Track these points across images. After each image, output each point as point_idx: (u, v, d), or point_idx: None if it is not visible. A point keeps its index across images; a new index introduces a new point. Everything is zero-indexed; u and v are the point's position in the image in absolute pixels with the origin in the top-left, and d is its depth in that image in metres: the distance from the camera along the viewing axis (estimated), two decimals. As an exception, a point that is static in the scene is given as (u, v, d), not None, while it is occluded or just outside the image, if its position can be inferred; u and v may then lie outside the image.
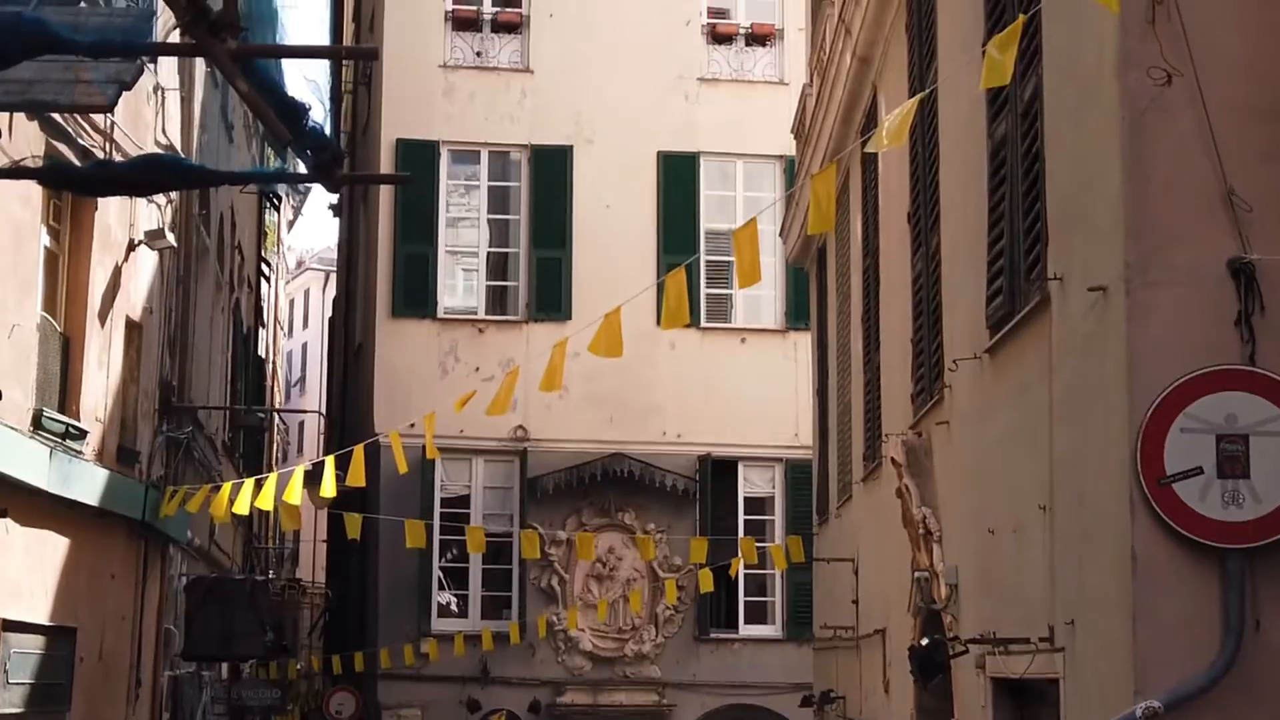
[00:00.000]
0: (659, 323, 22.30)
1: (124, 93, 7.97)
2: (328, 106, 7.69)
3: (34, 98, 7.27)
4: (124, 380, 14.38)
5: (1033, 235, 7.27)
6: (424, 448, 12.07)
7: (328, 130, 6.77)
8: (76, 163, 11.03)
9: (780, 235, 19.08)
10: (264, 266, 29.66)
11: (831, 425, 15.71)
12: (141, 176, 6.80)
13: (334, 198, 34.02)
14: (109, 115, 12.97)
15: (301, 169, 6.95)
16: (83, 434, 12.94)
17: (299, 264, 68.84)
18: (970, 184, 8.69)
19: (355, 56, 7.87)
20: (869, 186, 12.91)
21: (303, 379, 62.47)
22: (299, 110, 6.33)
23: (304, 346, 66.73)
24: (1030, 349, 7.31)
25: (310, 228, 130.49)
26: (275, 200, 28.11)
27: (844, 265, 14.61)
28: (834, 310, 15.41)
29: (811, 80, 16.20)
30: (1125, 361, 5.86)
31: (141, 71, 8.02)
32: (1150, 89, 5.82)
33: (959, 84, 8.97)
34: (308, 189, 51.09)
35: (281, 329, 53.67)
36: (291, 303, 67.54)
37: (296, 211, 51.96)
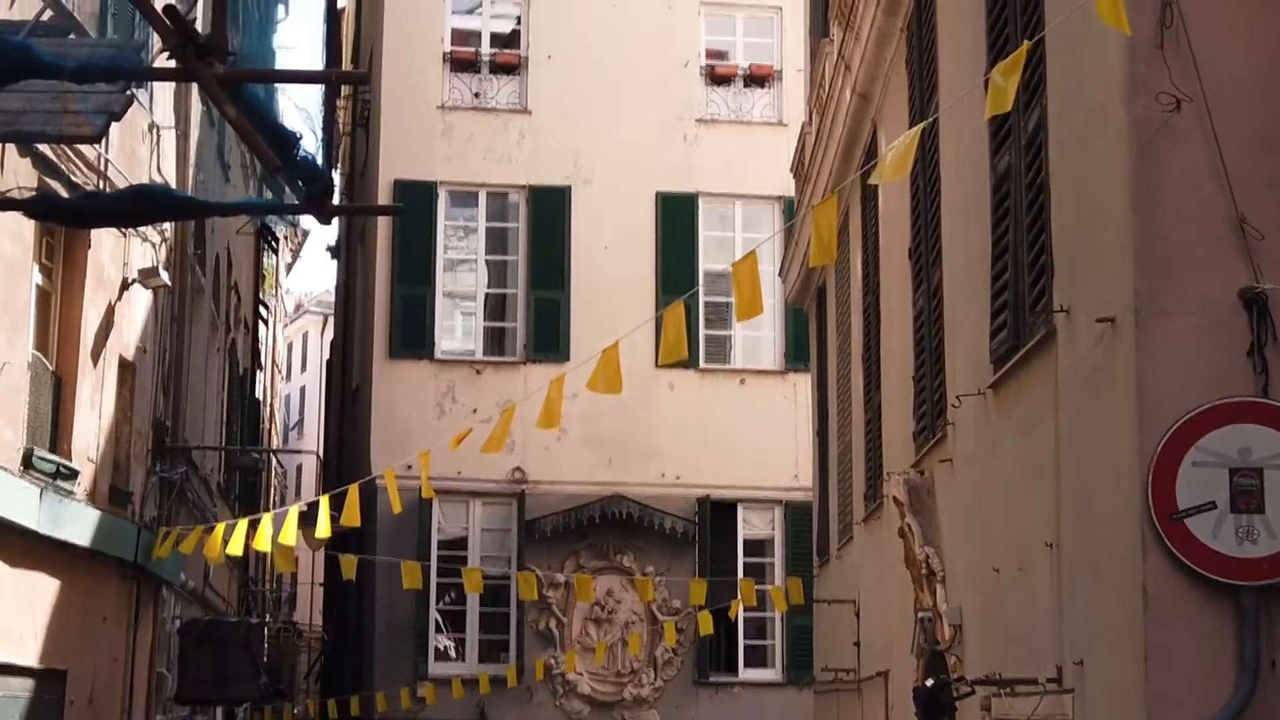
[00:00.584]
0: (658, 363, 22.22)
1: (113, 124, 7.87)
2: (320, 136, 7.61)
3: (21, 128, 7.15)
4: (117, 420, 14.23)
5: (1037, 268, 7.14)
6: (420, 488, 11.93)
7: (320, 160, 6.66)
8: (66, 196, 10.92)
9: (780, 274, 18.97)
10: (262, 309, 29.56)
11: (832, 466, 15.56)
12: (130, 207, 6.66)
13: (332, 239, 34.02)
14: (103, 152, 12.90)
15: (296, 198, 6.79)
16: (74, 474, 12.78)
17: (298, 307, 68.77)
18: (972, 218, 8.57)
19: (346, 81, 7.77)
20: (869, 224, 12.80)
21: (300, 422, 62.27)
22: (290, 139, 6.20)
23: (302, 390, 66.57)
24: (1036, 383, 7.17)
25: (309, 271, 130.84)
26: (273, 242, 27.97)
27: (844, 303, 14.49)
28: (834, 349, 15.28)
29: (811, 118, 16.12)
30: (1135, 394, 5.72)
31: (130, 102, 7.90)
32: (1159, 115, 5.70)
33: (960, 118, 8.87)
34: (306, 231, 51.27)
35: (279, 372, 53.59)
36: (290, 346, 67.44)
37: (295, 254, 51.94)
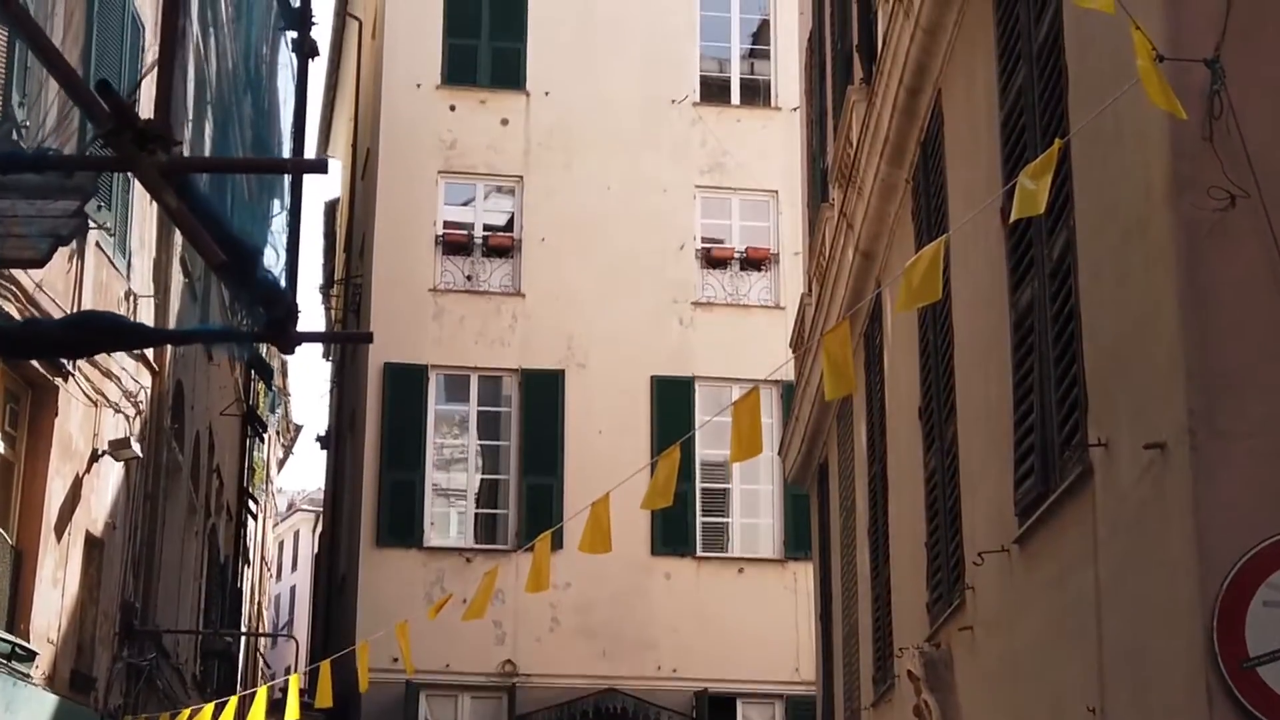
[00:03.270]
0: (652, 550, 21.47)
1: (60, 247, 7.29)
2: (282, 255, 7.04)
3: (-43, 253, 6.60)
4: (81, 600, 13.46)
5: (1068, 403, 6.50)
6: (407, 682, 11.23)
7: (282, 282, 6.13)
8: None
9: (779, 454, 18.35)
10: (251, 502, 28.85)
11: (836, 652, 14.77)
12: (75, 336, 6.08)
13: (322, 428, 33.45)
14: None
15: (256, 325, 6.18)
16: (31, 655, 12.00)
17: (290, 506, 67.93)
18: (990, 363, 7.97)
19: (303, 170, 7.25)
20: (874, 389, 12.21)
21: (290, 622, 60.99)
22: (249, 254, 5.62)
23: (292, 590, 65.40)
24: (1069, 531, 6.49)
25: (301, 469, 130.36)
26: (260, 427, 27.37)
27: (847, 477, 13.84)
28: (837, 527, 14.59)
29: (810, 288, 15.64)
30: (1193, 528, 5.04)
31: (80, 227, 7.37)
32: (1209, 214, 5.12)
33: (974, 258, 8.33)
34: (299, 425, 50.71)
35: (269, 570, 52.55)
36: (281, 545, 66.44)
37: (287, 449, 51.31)
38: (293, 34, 7.68)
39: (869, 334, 12.27)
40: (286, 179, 7.84)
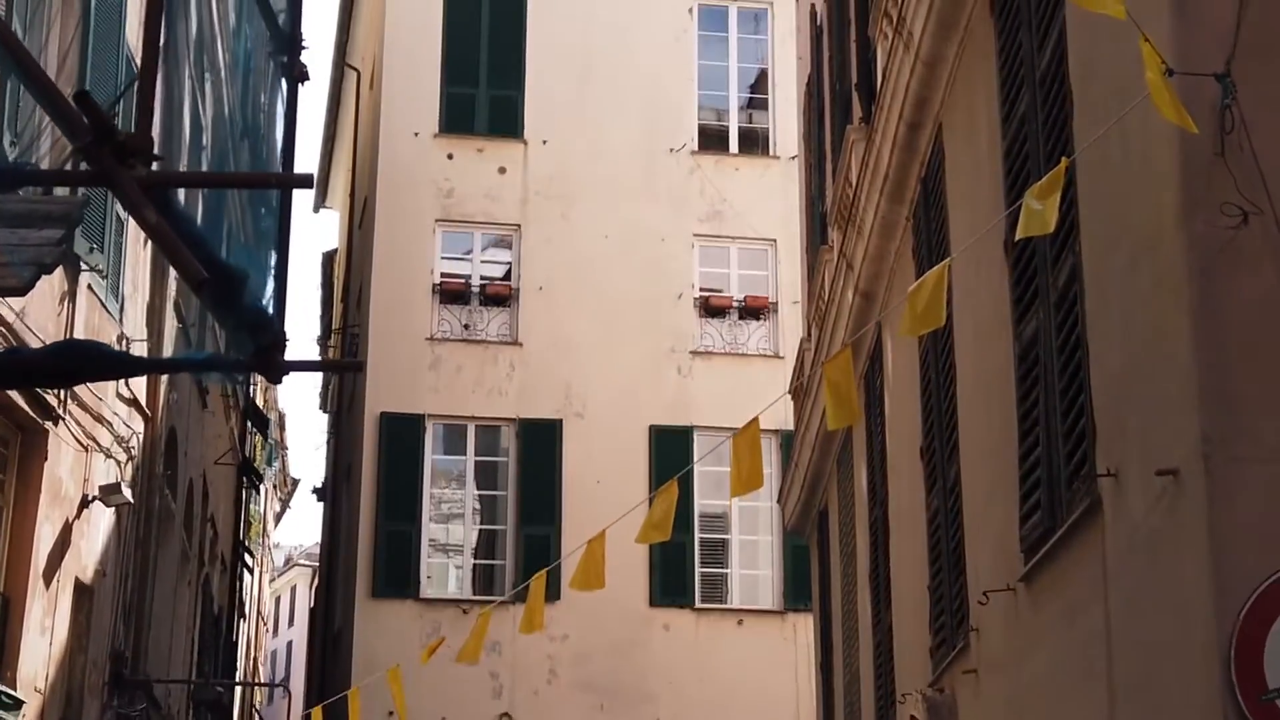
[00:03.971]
0: (650, 601, 21.23)
1: (43, 275, 7.14)
2: (269, 282, 6.88)
3: (-61, 282, 6.45)
4: (70, 648, 13.22)
5: (1075, 434, 6.33)
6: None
7: (269, 309, 5.97)
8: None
9: (778, 502, 18.16)
10: (247, 555, 28.60)
11: (837, 701, 14.55)
12: (55, 365, 5.92)
13: (318, 481, 33.20)
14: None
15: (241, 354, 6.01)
16: (18, 704, 11.76)
17: (287, 561, 67.55)
18: (993, 398, 7.81)
19: (286, 184, 7.12)
20: (874, 431, 12.05)
21: (287, 677, 60.51)
22: (235, 278, 5.46)
23: (289, 646, 64.96)
24: (1078, 565, 6.31)
25: (299, 524, 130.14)
26: (256, 479, 27.16)
27: (848, 523, 13.66)
28: (837, 574, 14.40)
29: (810, 333, 15.49)
30: (1208, 555, 4.86)
31: (63, 255, 7.22)
32: (1222, 232, 4.97)
33: (976, 293, 8.19)
34: (296, 479, 50.48)
35: (265, 625, 52.17)
36: (278, 600, 66.06)
37: (284, 503, 51.04)
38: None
39: (869, 375, 12.12)
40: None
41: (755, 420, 6.69)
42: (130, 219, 10.33)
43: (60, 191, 8.19)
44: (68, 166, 6.08)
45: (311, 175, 6.18)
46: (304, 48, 6.69)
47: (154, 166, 4.62)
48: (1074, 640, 6.36)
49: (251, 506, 31.01)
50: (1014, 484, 7.27)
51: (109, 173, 4.55)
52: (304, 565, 63.29)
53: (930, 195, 9.68)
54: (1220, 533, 4.86)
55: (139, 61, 12.17)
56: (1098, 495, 5.95)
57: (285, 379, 6.13)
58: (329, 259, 34.49)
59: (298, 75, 6.58)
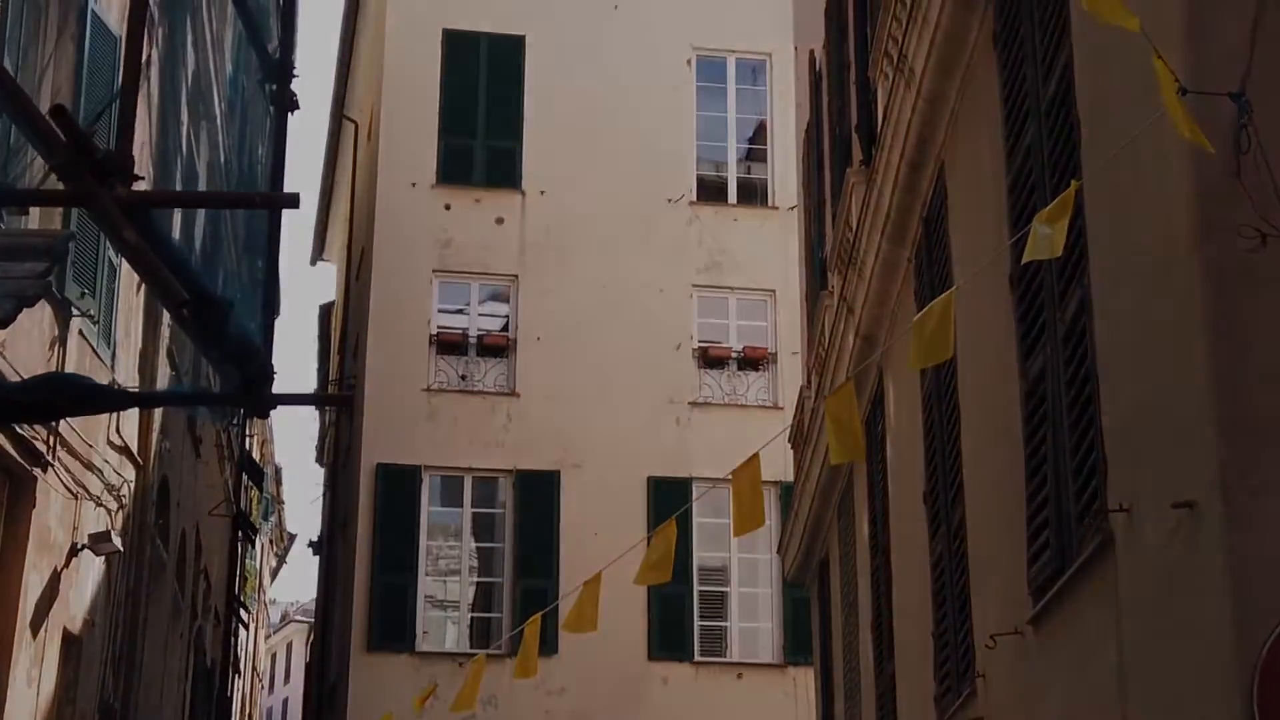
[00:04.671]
0: (649, 654, 20.96)
1: (24, 308, 6.98)
2: (259, 309, 6.70)
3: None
4: (58, 699, 12.97)
5: (1085, 471, 6.15)
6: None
7: (257, 340, 5.83)
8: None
9: (778, 552, 17.95)
10: (242, 610, 28.35)
11: (839, 754, 14.29)
12: (35, 398, 5.75)
13: (314, 534, 32.94)
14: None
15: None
16: (4, 757, 11.52)
17: (283, 617, 67.14)
18: (1000, 438, 7.64)
19: (272, 204, 6.98)
20: (876, 478, 11.87)
21: (282, 736, 60.02)
22: (220, 306, 5.30)
23: (284, 703, 64.50)
24: (1089, 606, 6.12)
25: (295, 580, 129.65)
26: (251, 532, 26.94)
27: (849, 572, 13.46)
28: (838, 624, 14.18)
29: (810, 380, 15.33)
30: (1230, 587, 4.68)
31: (46, 288, 7.06)
32: (1239, 256, 4.81)
33: (981, 332, 8.03)
34: (292, 534, 50.14)
35: (260, 681, 51.76)
36: (274, 657, 65.62)
37: (280, 558, 50.68)
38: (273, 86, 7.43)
39: (870, 420, 11.95)
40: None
41: (755, 457, 6.52)
42: (123, 263, 10.18)
43: (45, 221, 8.05)
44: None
45: (298, 195, 6.05)
46: (294, 75, 6.56)
47: (135, 186, 4.47)
48: (1086, 682, 6.17)
49: (246, 560, 30.77)
50: (1021, 524, 7.09)
51: (87, 191, 4.40)
52: (300, 621, 62.91)
53: (933, 234, 9.53)
54: (1240, 565, 4.68)
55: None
56: (1110, 532, 5.77)
57: (273, 414, 5.97)
58: (326, 311, 34.39)
59: (288, 105, 6.46)
